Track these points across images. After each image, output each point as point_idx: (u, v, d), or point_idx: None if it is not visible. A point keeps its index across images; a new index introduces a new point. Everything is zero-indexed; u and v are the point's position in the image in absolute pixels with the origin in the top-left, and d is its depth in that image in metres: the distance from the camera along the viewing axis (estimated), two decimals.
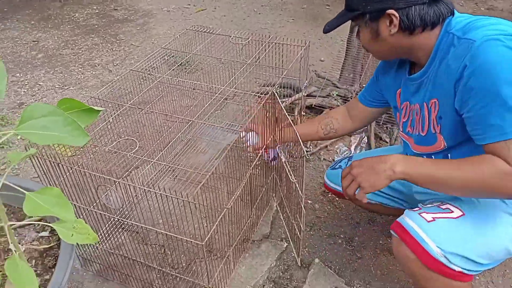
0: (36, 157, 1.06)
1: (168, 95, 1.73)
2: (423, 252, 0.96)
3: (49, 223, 1.09)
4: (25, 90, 2.50)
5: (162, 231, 1.06)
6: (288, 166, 1.23)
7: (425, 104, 1.06)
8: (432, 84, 1.02)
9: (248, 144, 1.35)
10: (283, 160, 1.27)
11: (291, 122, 1.19)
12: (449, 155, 1.08)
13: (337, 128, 1.38)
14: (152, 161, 0.97)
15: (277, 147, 1.44)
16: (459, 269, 0.97)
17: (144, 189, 0.96)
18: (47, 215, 0.69)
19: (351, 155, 1.47)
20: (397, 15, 0.95)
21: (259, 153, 1.35)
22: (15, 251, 0.80)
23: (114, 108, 1.31)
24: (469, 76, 0.88)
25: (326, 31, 1.11)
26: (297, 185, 1.16)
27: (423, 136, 1.09)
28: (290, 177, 1.19)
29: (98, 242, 0.80)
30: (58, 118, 0.68)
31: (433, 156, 1.11)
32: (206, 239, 1.02)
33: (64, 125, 0.68)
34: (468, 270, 0.98)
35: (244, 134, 1.32)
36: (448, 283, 1.01)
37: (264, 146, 1.40)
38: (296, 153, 1.30)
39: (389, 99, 1.26)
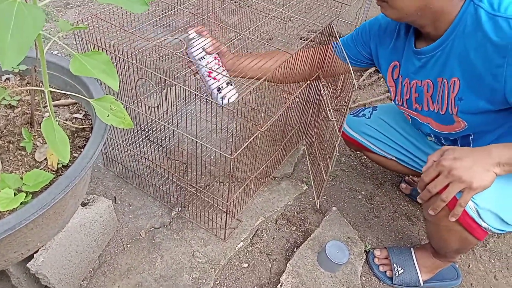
0: (83, 37, 1.04)
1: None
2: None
3: (84, 108, 1.09)
4: None
5: (193, 138, 1.04)
6: (329, 104, 1.18)
7: (444, 80, 0.96)
8: (451, 60, 0.93)
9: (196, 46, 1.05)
10: (324, 93, 1.22)
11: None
12: (471, 137, 1.03)
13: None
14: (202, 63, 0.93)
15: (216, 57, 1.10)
16: (486, 226, 0.94)
17: (191, 92, 0.94)
18: (92, 77, 0.67)
19: (376, 105, 1.40)
20: None
21: (215, 55, 1.06)
22: (49, 116, 0.80)
23: (163, 9, 1.26)
24: None
25: None
26: (335, 124, 1.11)
27: (442, 115, 1.01)
28: (329, 115, 1.15)
29: (131, 126, 0.78)
30: None
31: (458, 139, 1.07)
32: (236, 154, 1.00)
33: None
34: (494, 228, 0.95)
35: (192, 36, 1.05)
36: (465, 236, 0.99)
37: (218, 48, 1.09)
38: (340, 91, 1.23)
39: (381, 70, 1.17)
